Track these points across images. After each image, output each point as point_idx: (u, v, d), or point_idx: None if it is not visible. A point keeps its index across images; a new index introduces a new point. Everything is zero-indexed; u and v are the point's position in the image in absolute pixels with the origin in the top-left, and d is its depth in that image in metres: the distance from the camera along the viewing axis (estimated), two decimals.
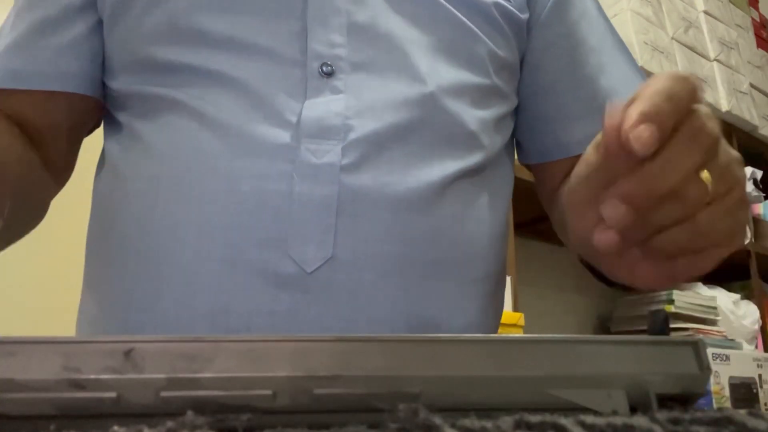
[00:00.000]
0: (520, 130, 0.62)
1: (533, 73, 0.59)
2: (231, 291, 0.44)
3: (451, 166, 0.50)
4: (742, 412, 0.23)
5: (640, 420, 0.22)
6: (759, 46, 2.32)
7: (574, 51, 0.59)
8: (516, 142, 0.63)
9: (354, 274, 0.45)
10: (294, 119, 0.47)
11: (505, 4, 0.55)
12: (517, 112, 0.61)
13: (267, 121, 0.47)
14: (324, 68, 0.48)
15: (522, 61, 0.59)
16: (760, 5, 2.52)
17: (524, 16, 0.57)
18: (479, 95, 0.53)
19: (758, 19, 2.43)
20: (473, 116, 0.52)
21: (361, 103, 0.48)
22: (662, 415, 0.23)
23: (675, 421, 0.22)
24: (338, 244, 0.45)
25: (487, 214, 0.53)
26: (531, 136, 0.62)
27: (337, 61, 0.48)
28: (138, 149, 0.50)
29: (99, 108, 0.57)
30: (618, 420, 0.22)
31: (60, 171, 0.58)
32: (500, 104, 0.56)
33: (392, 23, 0.51)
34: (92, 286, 0.52)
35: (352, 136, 0.47)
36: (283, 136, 0.46)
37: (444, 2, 0.52)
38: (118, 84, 0.53)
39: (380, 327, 0.45)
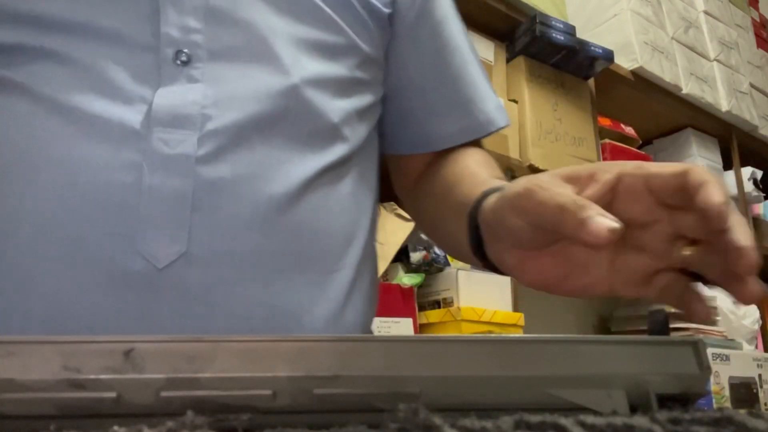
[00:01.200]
0: (386, 121, 0.62)
1: (400, 67, 0.60)
2: (70, 292, 0.41)
3: (312, 163, 0.49)
4: (742, 412, 0.23)
5: (640, 420, 0.22)
6: (759, 46, 2.32)
7: (441, 50, 0.61)
8: (380, 131, 0.62)
9: (210, 270, 0.43)
10: (144, 107, 0.43)
11: None
12: (383, 102, 0.60)
13: (112, 105, 0.43)
14: (180, 56, 0.45)
15: (387, 55, 0.59)
16: (760, 5, 2.52)
17: (387, 10, 0.57)
18: (341, 87, 0.52)
19: (758, 19, 2.43)
20: (336, 108, 0.51)
21: (220, 92, 0.45)
22: (662, 415, 0.23)
23: (675, 421, 0.22)
24: (193, 239, 0.42)
25: (350, 204, 0.53)
26: (398, 128, 0.62)
27: (194, 49, 0.45)
28: None
29: None
30: (618, 420, 0.22)
31: None
32: (363, 95, 0.55)
33: (254, 11, 0.48)
34: None
35: (210, 126, 0.44)
36: (132, 122, 0.43)
37: None
38: None
39: (239, 323, 0.43)
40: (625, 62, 1.72)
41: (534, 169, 1.40)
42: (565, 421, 0.22)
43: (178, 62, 0.45)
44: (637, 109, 1.84)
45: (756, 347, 1.84)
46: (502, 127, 0.63)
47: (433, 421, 0.21)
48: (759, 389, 1.58)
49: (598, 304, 1.96)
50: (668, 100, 1.82)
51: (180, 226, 0.42)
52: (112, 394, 0.23)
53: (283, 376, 0.24)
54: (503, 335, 0.28)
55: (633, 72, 1.72)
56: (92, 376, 0.23)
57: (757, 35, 2.34)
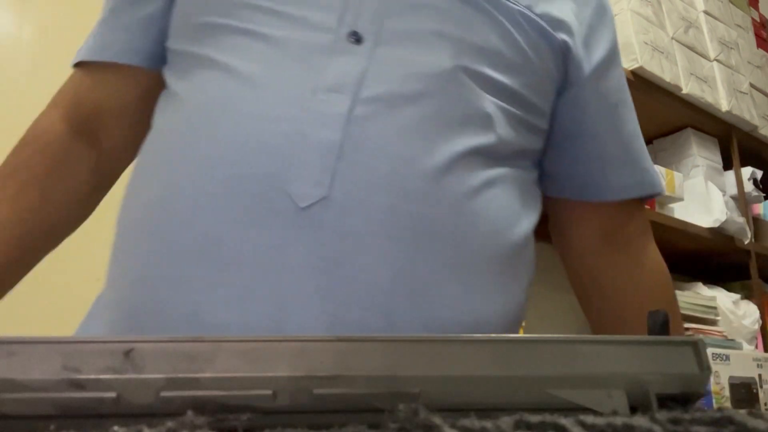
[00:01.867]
0: (559, 163, 0.64)
1: (581, 111, 0.62)
2: (224, 223, 0.46)
3: (461, 142, 0.51)
4: (742, 412, 0.23)
5: (640, 420, 0.22)
6: (759, 46, 2.32)
7: (621, 105, 0.66)
8: (549, 175, 0.65)
9: (345, 217, 0.46)
10: (315, 75, 0.50)
11: (549, 30, 0.57)
12: (556, 146, 0.63)
13: (290, 72, 0.50)
14: (353, 36, 0.51)
15: (568, 95, 0.61)
16: (760, 5, 2.52)
17: (560, 37, 0.59)
18: (499, 88, 0.55)
19: (758, 19, 2.43)
20: (491, 102, 0.54)
21: (380, 68, 0.50)
22: (662, 415, 0.23)
23: (675, 421, 0.22)
24: (335, 186, 0.46)
25: (501, 198, 0.54)
26: (571, 171, 0.64)
27: (366, 32, 0.51)
28: (172, 105, 0.54)
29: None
30: (618, 420, 0.22)
31: (119, 154, 0.64)
32: (522, 109, 0.57)
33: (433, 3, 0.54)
34: (117, 245, 0.54)
35: (364, 93, 0.49)
36: (303, 87, 0.49)
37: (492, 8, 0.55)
38: (167, 47, 0.59)
39: (362, 274, 0.46)
40: (625, 62, 1.72)
41: None
42: (565, 421, 0.22)
43: (352, 40, 0.51)
44: (637, 109, 1.83)
45: (756, 347, 1.83)
46: (662, 194, 0.67)
47: (433, 421, 0.21)
48: (759, 389, 1.58)
49: None
50: (668, 100, 1.82)
51: (324, 172, 0.47)
52: (112, 394, 0.23)
53: (283, 376, 0.24)
54: (503, 335, 0.28)
55: (633, 72, 1.72)
56: (92, 376, 0.23)
57: (757, 35, 2.34)
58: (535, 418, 0.22)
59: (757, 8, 2.47)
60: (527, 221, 0.57)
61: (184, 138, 0.51)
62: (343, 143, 0.47)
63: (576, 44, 0.60)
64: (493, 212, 0.53)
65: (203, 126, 0.50)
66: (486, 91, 0.54)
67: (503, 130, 0.55)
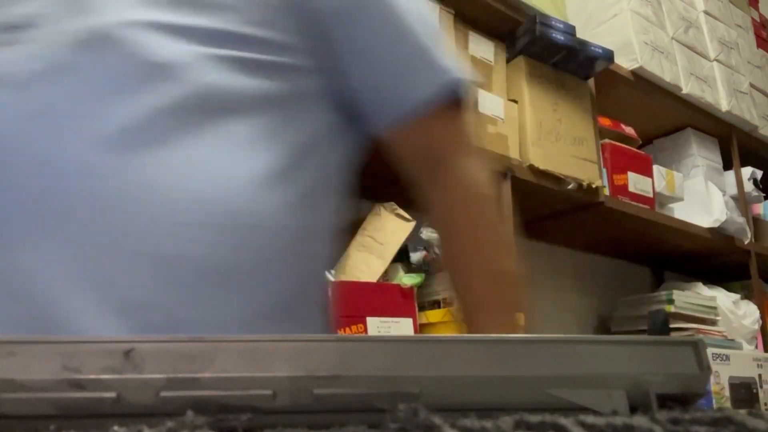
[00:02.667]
0: (349, 100, 0.58)
1: (335, 45, 0.56)
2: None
3: (133, 104, 0.46)
4: (742, 412, 0.23)
5: (640, 420, 0.22)
6: (759, 46, 2.31)
7: (372, 25, 0.57)
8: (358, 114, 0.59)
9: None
10: None
11: None
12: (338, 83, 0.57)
13: None
14: (7, 27, 0.47)
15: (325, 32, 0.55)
16: (760, 5, 2.52)
17: None
18: (191, 33, 0.49)
19: (758, 19, 2.43)
20: (179, 51, 0.48)
21: (30, 47, 0.46)
22: (662, 415, 0.23)
23: (675, 421, 0.22)
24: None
25: (211, 160, 0.47)
26: (356, 106, 0.58)
27: (24, 17, 0.47)
28: None
29: None
30: (618, 420, 0.22)
31: None
32: (243, 49, 0.51)
33: None
34: None
35: (19, 78, 0.45)
36: None
37: None
38: None
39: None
40: (625, 62, 1.72)
41: (534, 169, 1.40)
42: (565, 421, 0.22)
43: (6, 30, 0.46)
44: (637, 109, 1.84)
45: (756, 347, 1.83)
46: (466, 77, 0.59)
47: (433, 421, 0.21)
48: (759, 389, 1.58)
49: (598, 304, 1.96)
50: (668, 100, 1.82)
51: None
52: (112, 394, 0.23)
53: (283, 376, 0.24)
54: (503, 335, 0.28)
55: (633, 72, 1.72)
56: (92, 376, 0.23)
57: (757, 35, 2.34)
58: (535, 418, 0.22)
59: (757, 8, 2.47)
60: (265, 185, 0.49)
61: None
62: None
63: None
64: (192, 182, 0.46)
65: None
66: (175, 40, 0.48)
67: (209, 77, 0.48)
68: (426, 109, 0.57)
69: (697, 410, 0.24)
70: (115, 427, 0.21)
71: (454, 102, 0.59)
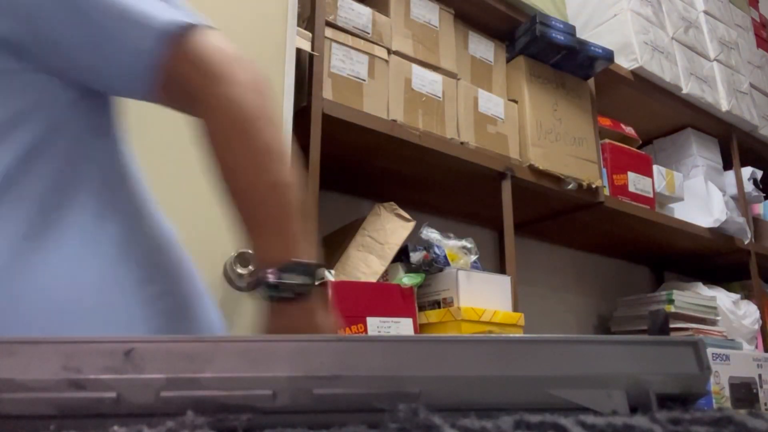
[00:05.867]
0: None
1: (35, 48, 0.52)
2: None
3: None
4: (742, 412, 0.23)
5: (640, 420, 0.22)
6: (759, 46, 2.31)
7: (73, 17, 0.53)
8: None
9: None
10: None
11: None
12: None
13: None
14: None
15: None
16: (760, 5, 2.52)
17: None
18: None
19: (758, 19, 2.43)
20: None
21: None
22: (662, 415, 0.23)
23: (675, 421, 0.22)
24: None
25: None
26: (92, 87, 0.56)
27: None
28: None
29: None
30: (618, 420, 0.22)
31: None
32: None
33: None
34: None
35: None
36: None
37: None
38: None
39: None
40: (625, 62, 1.72)
41: (534, 169, 1.40)
42: (564, 420, 0.22)
43: None
44: (637, 109, 1.84)
45: (756, 347, 1.84)
46: (174, 18, 0.55)
47: (433, 421, 0.21)
48: (759, 389, 1.58)
49: (598, 304, 1.96)
50: (668, 100, 1.82)
51: None
52: (112, 394, 0.23)
53: (283, 376, 0.24)
54: (503, 335, 0.28)
55: (633, 72, 1.72)
56: (92, 376, 0.23)
57: (757, 35, 2.34)
58: (535, 418, 0.22)
59: (757, 8, 2.47)
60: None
61: None
62: None
63: None
64: None
65: None
66: None
67: None
68: (155, 66, 0.54)
69: (697, 410, 0.24)
70: (115, 427, 0.21)
71: (177, 40, 0.55)
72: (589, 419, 0.22)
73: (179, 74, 0.55)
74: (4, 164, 0.49)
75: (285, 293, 0.52)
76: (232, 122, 0.55)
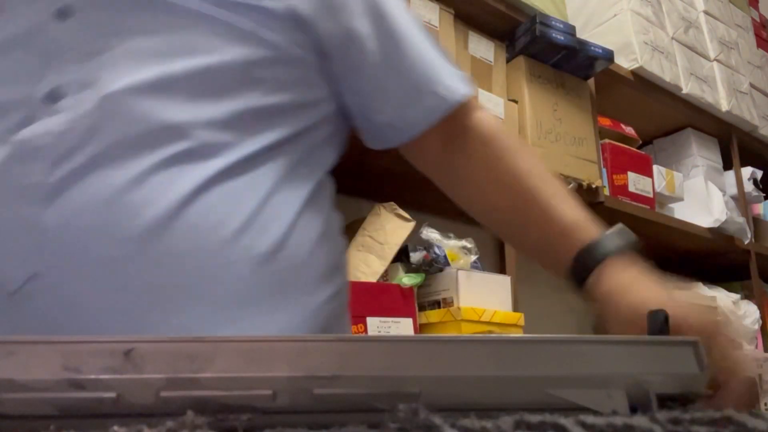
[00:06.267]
0: (359, 120, 0.62)
1: (347, 72, 0.59)
2: None
3: (197, 174, 0.48)
4: (742, 411, 0.23)
5: (640, 420, 0.22)
6: (759, 46, 2.31)
7: (386, 48, 0.59)
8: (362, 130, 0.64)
9: (58, 290, 0.44)
10: (11, 145, 0.46)
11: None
12: (348, 104, 0.61)
13: None
14: (51, 95, 0.48)
15: (331, 63, 0.58)
16: (760, 5, 2.52)
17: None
18: (192, 87, 0.51)
19: (758, 19, 2.43)
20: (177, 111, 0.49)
21: (76, 122, 0.47)
22: (662, 415, 0.23)
23: (675, 421, 0.22)
24: (43, 262, 0.44)
25: (225, 202, 0.49)
26: (367, 126, 0.63)
27: (66, 88, 0.48)
28: None
29: None
30: (618, 420, 0.22)
31: None
32: (247, 95, 0.53)
33: (121, 33, 0.50)
34: None
35: (63, 154, 0.46)
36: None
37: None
38: None
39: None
40: (625, 62, 1.72)
41: None
42: (564, 421, 0.22)
43: (48, 101, 0.47)
44: (637, 109, 1.84)
45: (756, 347, 1.83)
46: (466, 96, 0.62)
47: (433, 421, 0.21)
48: (759, 389, 1.58)
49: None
50: (668, 100, 1.82)
51: (30, 250, 0.44)
52: (112, 394, 0.23)
53: (283, 376, 0.24)
54: (503, 335, 0.28)
55: (633, 72, 1.72)
56: (92, 376, 0.23)
57: (757, 35, 2.34)
58: (535, 418, 0.22)
59: (757, 8, 2.47)
60: (284, 218, 0.52)
61: None
62: (45, 215, 0.44)
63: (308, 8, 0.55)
64: (212, 224, 0.48)
65: None
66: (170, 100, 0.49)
67: (209, 133, 0.50)
68: (431, 125, 0.61)
69: (697, 410, 0.24)
70: (115, 427, 0.21)
71: (463, 110, 0.62)
72: (589, 419, 0.22)
73: (454, 137, 0.63)
74: (284, 136, 0.54)
75: (625, 247, 0.55)
76: (511, 136, 0.64)
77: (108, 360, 0.24)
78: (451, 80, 0.61)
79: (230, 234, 0.48)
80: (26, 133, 0.46)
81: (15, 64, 0.50)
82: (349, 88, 0.60)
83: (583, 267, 0.53)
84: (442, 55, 0.63)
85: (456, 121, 0.62)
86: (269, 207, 0.52)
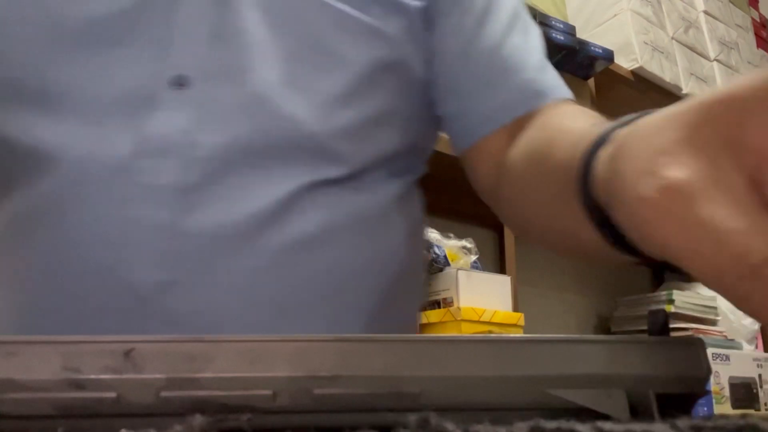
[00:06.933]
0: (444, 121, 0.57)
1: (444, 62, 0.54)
2: (70, 325, 0.42)
3: (297, 179, 0.46)
4: (766, 419, 0.22)
5: (660, 426, 0.22)
6: (759, 46, 2.31)
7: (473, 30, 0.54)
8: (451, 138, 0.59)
9: (194, 297, 0.42)
10: (136, 137, 0.43)
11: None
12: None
13: (106, 141, 0.43)
14: (176, 81, 0.44)
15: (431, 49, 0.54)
16: (760, 5, 2.52)
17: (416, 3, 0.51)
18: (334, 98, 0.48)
19: (758, 19, 2.43)
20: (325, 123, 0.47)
21: (207, 115, 0.44)
22: (683, 422, 0.23)
23: (696, 428, 0.22)
24: (177, 268, 0.42)
25: (366, 234, 0.49)
26: (453, 123, 0.56)
27: (190, 71, 0.45)
28: None
29: None
30: (637, 426, 0.21)
31: None
32: (368, 102, 0.50)
33: (249, 21, 0.46)
34: None
35: (196, 153, 0.43)
36: (121, 156, 0.43)
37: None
38: None
39: None
40: (625, 62, 1.72)
41: None
42: (581, 427, 0.21)
43: (174, 86, 0.44)
44: (637, 109, 1.82)
45: (756, 347, 1.84)
46: (564, 98, 0.53)
47: (446, 427, 0.21)
48: (759, 389, 1.58)
49: (598, 304, 1.96)
50: (668, 100, 1.82)
51: (163, 254, 0.42)
52: (112, 394, 0.23)
53: (283, 376, 0.24)
54: (503, 335, 0.28)
55: (633, 72, 1.72)
56: (92, 376, 0.23)
57: (757, 35, 2.34)
58: (550, 425, 0.22)
59: (757, 8, 2.47)
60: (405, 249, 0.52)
61: (27, 229, 0.45)
62: (176, 218, 0.42)
63: None
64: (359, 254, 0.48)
65: (44, 215, 0.44)
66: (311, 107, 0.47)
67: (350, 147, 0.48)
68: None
69: (720, 417, 0.23)
70: (123, 430, 0.21)
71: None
72: (607, 426, 0.22)
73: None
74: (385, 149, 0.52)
75: None
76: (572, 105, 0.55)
77: (108, 360, 0.24)
78: (552, 77, 0.54)
79: (363, 259, 0.48)
80: (154, 126, 0.43)
81: (137, 41, 0.45)
82: (441, 64, 0.54)
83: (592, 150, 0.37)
84: (541, 53, 0.56)
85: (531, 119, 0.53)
86: (393, 225, 0.51)
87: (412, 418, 0.22)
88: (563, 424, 0.21)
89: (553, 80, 0.54)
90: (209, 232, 0.43)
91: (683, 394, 0.28)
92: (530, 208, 0.48)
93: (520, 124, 0.52)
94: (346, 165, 0.48)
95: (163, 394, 0.24)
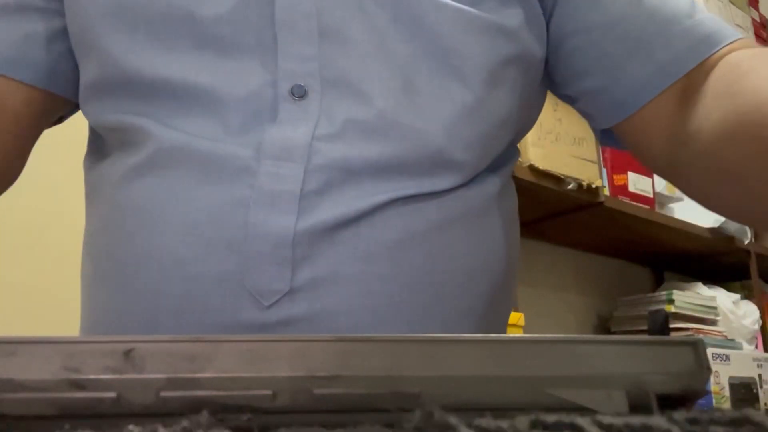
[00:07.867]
0: (592, 96, 0.52)
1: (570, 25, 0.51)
2: (186, 331, 0.42)
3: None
4: (762, 412, 0.23)
5: (658, 420, 0.22)
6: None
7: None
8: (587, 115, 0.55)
9: (314, 305, 0.42)
10: (257, 141, 0.43)
11: None
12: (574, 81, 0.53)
13: (230, 143, 0.44)
14: (295, 90, 0.44)
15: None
16: (760, 5, 2.52)
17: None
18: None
19: (758, 19, 2.43)
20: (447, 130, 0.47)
21: (331, 125, 0.44)
22: (680, 414, 0.23)
23: (693, 421, 0.22)
24: (297, 277, 0.42)
25: (462, 242, 0.48)
26: (606, 92, 0.51)
27: (308, 80, 0.44)
28: (105, 197, 0.48)
29: (62, 106, 0.55)
30: (636, 420, 0.22)
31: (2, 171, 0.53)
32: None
33: (366, 25, 0.45)
34: (83, 297, 0.51)
35: (318, 160, 0.43)
36: (244, 158, 0.43)
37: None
38: (91, 111, 0.51)
39: None
40: None
41: (534, 169, 1.40)
42: (582, 420, 0.21)
43: (294, 97, 0.44)
44: None
45: (756, 347, 1.84)
46: (736, 39, 0.47)
47: (449, 421, 0.21)
48: (759, 389, 1.58)
49: (598, 304, 1.96)
50: None
51: (283, 263, 0.42)
52: (112, 394, 0.23)
53: (283, 376, 0.24)
54: (503, 335, 0.28)
55: None
56: (92, 376, 0.23)
57: (757, 35, 2.34)
58: (550, 418, 0.22)
59: (757, 8, 2.47)
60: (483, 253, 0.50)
61: (132, 224, 0.45)
62: (298, 226, 0.42)
63: None
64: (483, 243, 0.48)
65: (150, 211, 0.44)
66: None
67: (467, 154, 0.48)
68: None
69: (716, 410, 0.23)
70: (131, 426, 0.21)
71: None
72: (606, 419, 0.22)
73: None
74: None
75: None
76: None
77: (108, 360, 0.24)
78: (712, 19, 0.48)
79: (473, 259, 0.48)
80: (277, 133, 0.43)
81: (248, 47, 0.45)
82: (579, 40, 0.50)
83: None
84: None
85: (701, 73, 0.46)
86: (495, 227, 0.51)
87: (417, 413, 0.22)
88: (563, 417, 0.22)
89: (714, 22, 0.48)
90: (325, 236, 0.43)
91: (683, 394, 0.28)
92: (756, 187, 0.40)
93: (690, 83, 0.46)
94: (463, 172, 0.48)
95: (163, 394, 0.24)
